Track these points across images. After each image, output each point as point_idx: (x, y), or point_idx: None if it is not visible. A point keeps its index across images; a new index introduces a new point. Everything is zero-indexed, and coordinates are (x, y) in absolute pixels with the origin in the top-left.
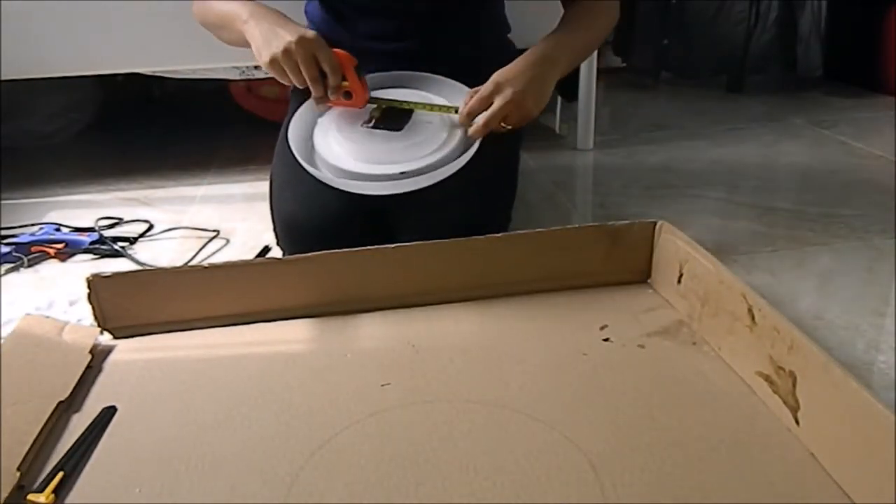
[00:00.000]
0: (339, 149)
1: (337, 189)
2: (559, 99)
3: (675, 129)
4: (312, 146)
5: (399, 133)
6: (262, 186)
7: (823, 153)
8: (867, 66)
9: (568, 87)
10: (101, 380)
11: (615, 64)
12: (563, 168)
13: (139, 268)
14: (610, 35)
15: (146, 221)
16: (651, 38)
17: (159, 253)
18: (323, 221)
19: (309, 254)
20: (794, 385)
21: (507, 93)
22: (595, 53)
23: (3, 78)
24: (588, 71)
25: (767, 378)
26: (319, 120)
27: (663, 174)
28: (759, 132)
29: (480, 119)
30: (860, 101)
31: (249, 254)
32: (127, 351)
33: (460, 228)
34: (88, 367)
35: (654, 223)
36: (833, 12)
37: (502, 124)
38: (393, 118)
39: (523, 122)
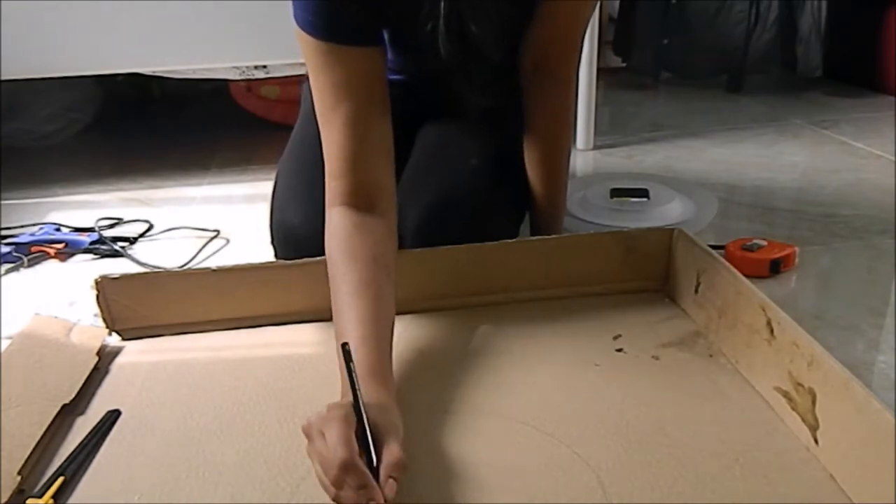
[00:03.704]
0: None
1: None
2: None
3: (675, 129)
4: None
5: None
6: (262, 186)
7: (823, 153)
8: (867, 66)
9: None
10: (107, 382)
11: (615, 64)
12: None
13: (143, 268)
14: (610, 34)
15: (146, 221)
16: (651, 38)
17: (159, 253)
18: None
19: (318, 258)
20: (813, 403)
21: None
22: (595, 53)
23: (3, 78)
24: (588, 71)
25: (786, 394)
26: None
27: (663, 174)
28: (759, 132)
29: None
30: (860, 101)
31: (250, 254)
32: (134, 353)
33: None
34: (95, 368)
35: (672, 230)
36: (833, 12)
37: None
38: None
39: None
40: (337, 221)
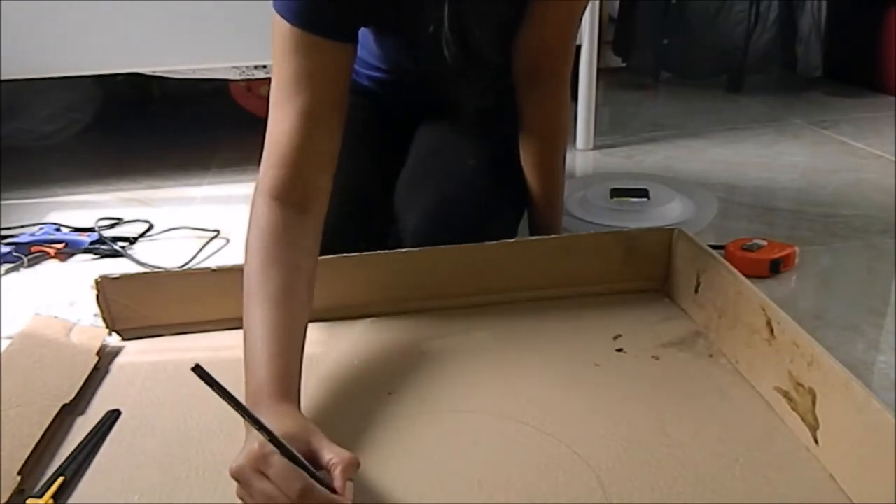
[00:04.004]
0: None
1: (339, 208)
2: None
3: (675, 129)
4: None
5: None
6: None
7: (823, 153)
8: (867, 66)
9: None
10: (107, 382)
11: (615, 64)
12: None
13: (143, 269)
14: (610, 34)
15: (146, 221)
16: (651, 38)
17: (159, 253)
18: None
19: (319, 258)
20: (813, 403)
21: None
22: (595, 53)
23: (3, 78)
24: (588, 71)
25: (786, 394)
26: None
27: (663, 174)
28: (759, 132)
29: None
30: (860, 101)
31: None
32: (134, 353)
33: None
34: (95, 368)
35: (672, 230)
36: (833, 12)
37: None
38: None
39: None
40: (266, 216)
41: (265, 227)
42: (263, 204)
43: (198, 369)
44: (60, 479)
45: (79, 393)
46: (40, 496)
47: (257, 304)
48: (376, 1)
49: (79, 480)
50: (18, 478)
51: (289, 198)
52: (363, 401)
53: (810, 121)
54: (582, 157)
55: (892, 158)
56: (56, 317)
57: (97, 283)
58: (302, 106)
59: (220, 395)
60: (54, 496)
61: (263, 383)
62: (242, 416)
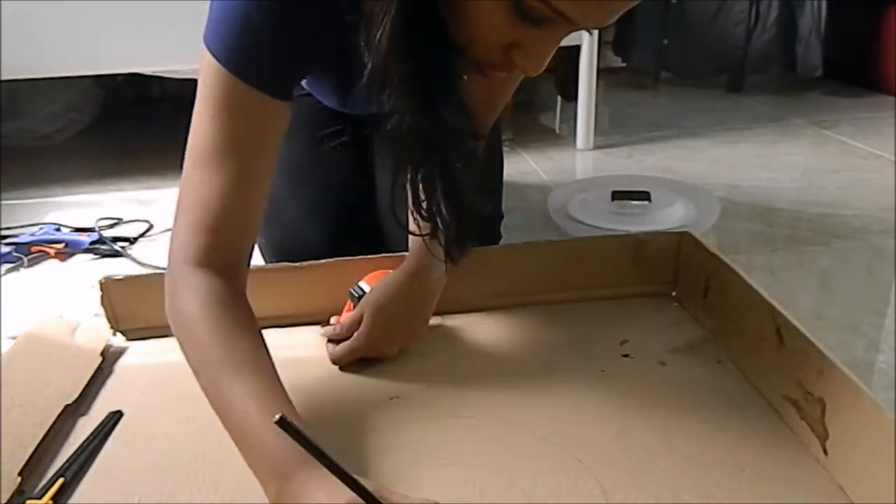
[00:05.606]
0: None
1: (325, 219)
2: (559, 99)
3: (675, 129)
4: None
5: None
6: None
7: (823, 153)
8: (867, 65)
9: (568, 87)
10: (111, 383)
11: (615, 64)
12: (563, 168)
13: (143, 268)
14: (610, 35)
15: (146, 221)
16: (651, 38)
17: (159, 253)
18: (311, 254)
19: (321, 261)
20: (823, 412)
21: (380, 320)
22: (595, 53)
23: (3, 78)
24: (588, 71)
25: (795, 403)
26: None
27: (663, 174)
28: (759, 132)
29: (346, 345)
30: (860, 101)
31: None
32: (138, 354)
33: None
34: (99, 369)
35: (679, 234)
36: (833, 12)
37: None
38: None
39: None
40: (205, 284)
41: (207, 295)
42: (192, 273)
43: (282, 422)
44: (60, 481)
45: (82, 393)
46: (40, 497)
47: (234, 374)
48: (323, 54)
49: (79, 482)
50: (19, 479)
51: (216, 265)
52: (365, 405)
53: (810, 121)
54: (582, 157)
55: (892, 158)
56: (61, 317)
57: (101, 284)
58: (237, 171)
59: (307, 448)
60: (54, 497)
61: (284, 451)
62: (337, 473)
